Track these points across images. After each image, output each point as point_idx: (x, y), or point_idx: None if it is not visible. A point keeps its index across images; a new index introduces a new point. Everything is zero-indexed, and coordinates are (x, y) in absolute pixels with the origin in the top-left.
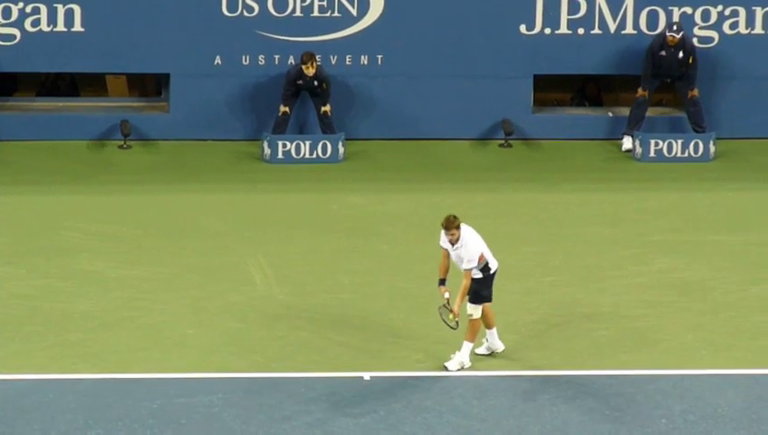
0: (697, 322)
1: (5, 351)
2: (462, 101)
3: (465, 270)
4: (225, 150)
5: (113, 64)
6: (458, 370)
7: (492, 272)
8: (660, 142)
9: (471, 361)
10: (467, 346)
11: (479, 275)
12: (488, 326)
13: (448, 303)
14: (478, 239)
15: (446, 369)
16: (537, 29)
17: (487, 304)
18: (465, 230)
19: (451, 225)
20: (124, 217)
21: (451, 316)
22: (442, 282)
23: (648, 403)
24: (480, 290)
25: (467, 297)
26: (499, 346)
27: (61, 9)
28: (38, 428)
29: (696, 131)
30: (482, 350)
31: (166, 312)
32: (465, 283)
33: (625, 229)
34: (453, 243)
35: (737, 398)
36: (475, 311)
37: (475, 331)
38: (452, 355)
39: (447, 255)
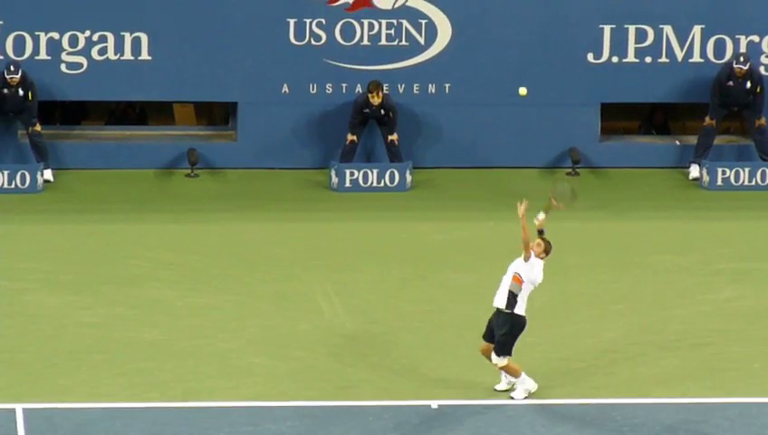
0: (764, 350)
1: (73, 380)
2: (529, 129)
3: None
4: (292, 179)
5: (180, 93)
6: (525, 398)
7: (519, 316)
8: (727, 171)
9: (536, 385)
10: (521, 380)
11: (507, 311)
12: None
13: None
14: (540, 274)
15: (512, 399)
16: (604, 57)
17: None
18: (540, 261)
19: (544, 244)
20: (191, 245)
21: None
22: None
23: (715, 431)
24: (509, 341)
25: (494, 349)
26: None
27: (128, 38)
28: None
29: (764, 160)
30: (501, 386)
31: (233, 340)
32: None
33: (692, 258)
34: (528, 257)
35: None
36: (499, 361)
37: (510, 370)
38: (515, 386)
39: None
